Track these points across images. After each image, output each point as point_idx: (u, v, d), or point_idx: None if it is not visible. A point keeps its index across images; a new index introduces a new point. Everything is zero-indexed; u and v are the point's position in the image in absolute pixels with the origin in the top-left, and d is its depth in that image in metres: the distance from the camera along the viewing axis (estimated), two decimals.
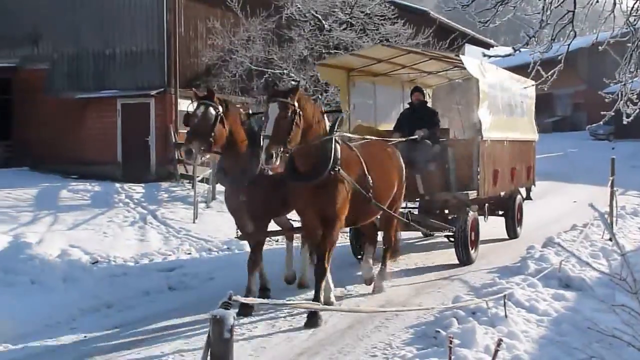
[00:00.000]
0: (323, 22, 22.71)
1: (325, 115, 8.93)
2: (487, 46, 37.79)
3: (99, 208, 17.20)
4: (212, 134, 8.53)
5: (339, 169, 8.46)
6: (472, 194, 12.00)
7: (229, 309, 3.85)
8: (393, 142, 11.10)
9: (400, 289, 10.43)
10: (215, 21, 22.98)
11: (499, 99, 13.25)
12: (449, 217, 12.55)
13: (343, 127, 12.63)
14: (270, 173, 9.06)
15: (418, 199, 12.51)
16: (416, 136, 11.87)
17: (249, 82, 22.63)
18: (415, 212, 12.59)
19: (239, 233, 9.71)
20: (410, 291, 10.35)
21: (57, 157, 22.49)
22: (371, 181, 9.05)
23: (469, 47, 31.55)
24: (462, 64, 12.24)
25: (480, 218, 12.99)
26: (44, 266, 10.25)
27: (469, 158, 12.13)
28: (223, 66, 23.31)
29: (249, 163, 9.00)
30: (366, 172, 9.05)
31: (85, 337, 8.34)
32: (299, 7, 22.48)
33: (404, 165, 10.47)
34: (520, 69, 15.74)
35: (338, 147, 8.63)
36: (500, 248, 13.77)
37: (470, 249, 11.98)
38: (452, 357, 5.24)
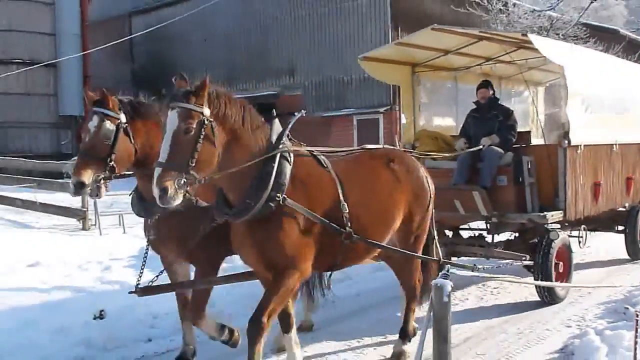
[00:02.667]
0: None
1: (276, 120, 5.23)
2: None
3: None
4: (113, 154, 5.14)
5: (283, 198, 4.91)
6: (555, 215, 8.07)
7: (447, 279, 4.05)
8: (446, 156, 8.24)
9: (592, 272, 10.00)
10: None
11: (603, 92, 9.04)
12: (530, 242, 8.60)
13: (406, 134, 9.93)
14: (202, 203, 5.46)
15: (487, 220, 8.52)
16: (481, 146, 8.35)
17: None
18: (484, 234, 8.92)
19: (139, 284, 5.71)
20: (600, 274, 9.87)
21: None
22: (347, 209, 5.27)
23: None
24: (532, 44, 7.80)
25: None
26: None
27: (552, 169, 8.18)
28: None
29: None
30: (341, 198, 5.30)
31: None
32: None
33: (427, 184, 6.27)
34: None
35: (287, 165, 5.03)
36: None
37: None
38: (639, 330, 5.04)
